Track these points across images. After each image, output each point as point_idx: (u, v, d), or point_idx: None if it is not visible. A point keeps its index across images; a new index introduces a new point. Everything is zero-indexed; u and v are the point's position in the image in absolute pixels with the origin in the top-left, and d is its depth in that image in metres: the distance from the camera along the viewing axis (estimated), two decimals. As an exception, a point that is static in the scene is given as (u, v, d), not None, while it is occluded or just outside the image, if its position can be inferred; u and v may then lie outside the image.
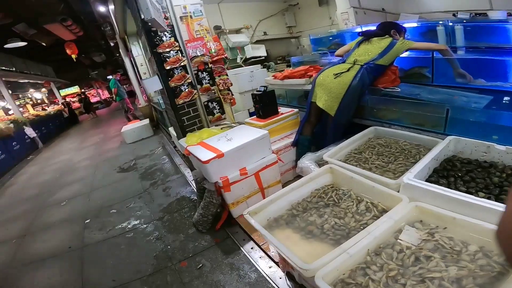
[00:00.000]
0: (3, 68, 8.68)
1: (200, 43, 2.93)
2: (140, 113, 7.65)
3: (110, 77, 17.09)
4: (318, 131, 2.59)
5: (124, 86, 15.81)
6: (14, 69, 9.51)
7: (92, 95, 20.47)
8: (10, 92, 9.24)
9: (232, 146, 2.20)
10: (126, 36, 6.02)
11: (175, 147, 4.60)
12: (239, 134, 2.43)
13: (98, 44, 10.97)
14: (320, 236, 1.40)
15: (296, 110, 2.80)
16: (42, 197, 4.27)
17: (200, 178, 2.39)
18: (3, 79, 8.70)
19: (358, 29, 3.43)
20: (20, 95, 13.96)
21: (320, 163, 2.26)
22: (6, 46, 6.95)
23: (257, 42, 6.67)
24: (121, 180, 4.19)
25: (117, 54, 10.51)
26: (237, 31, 6.42)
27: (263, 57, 6.39)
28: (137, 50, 6.21)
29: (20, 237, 3.12)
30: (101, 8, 6.02)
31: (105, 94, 20.70)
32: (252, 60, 6.13)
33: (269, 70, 5.55)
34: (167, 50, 2.66)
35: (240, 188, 2.29)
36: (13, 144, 7.21)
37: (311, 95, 2.43)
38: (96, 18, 6.63)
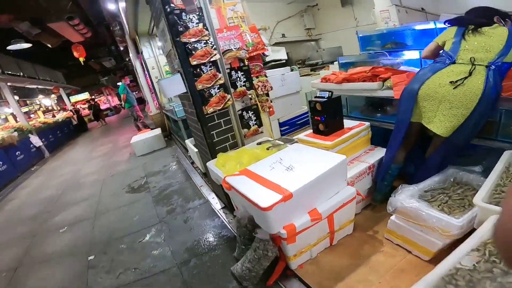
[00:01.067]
0: (9, 72, 7.89)
1: (234, 33, 2.09)
2: (150, 121, 6.81)
3: (120, 83, 16.30)
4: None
5: (134, 92, 15.09)
6: (21, 73, 8.73)
7: (103, 102, 19.73)
8: (17, 98, 8.45)
9: (300, 180, 1.36)
10: (137, 37, 5.22)
11: (192, 163, 3.75)
12: (300, 159, 1.58)
13: (107, 49, 10.22)
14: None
15: (367, 124, 1.94)
16: (41, 218, 3.59)
17: (246, 220, 1.55)
18: (9, 84, 7.91)
19: (421, 26, 2.61)
20: (28, 102, 13.19)
21: (426, 199, 1.52)
22: (9, 48, 6.15)
23: (276, 44, 5.94)
24: (131, 203, 3.38)
25: (127, 59, 9.78)
26: (255, 33, 5.61)
27: (284, 61, 5.59)
28: (149, 52, 5.38)
29: (10, 270, 2.50)
30: (111, 6, 5.23)
31: (115, 101, 19.90)
32: (272, 63, 5.32)
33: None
34: (193, 40, 1.82)
35: (307, 236, 1.50)
36: (17, 154, 6.45)
37: (408, 112, 1.59)
38: (106, 18, 5.86)
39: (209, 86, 1.87)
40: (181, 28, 1.78)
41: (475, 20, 1.55)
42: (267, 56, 4.20)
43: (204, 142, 2.03)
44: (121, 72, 14.67)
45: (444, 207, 1.48)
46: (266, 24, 5.79)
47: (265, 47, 2.26)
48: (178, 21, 1.78)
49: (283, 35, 6.14)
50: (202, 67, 1.87)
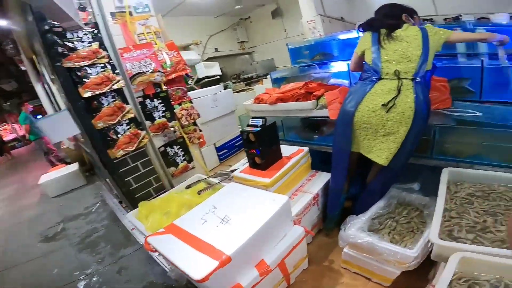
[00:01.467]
0: None
1: (146, 52, 1.74)
2: (65, 154, 5.69)
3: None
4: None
5: (49, 118, 12.92)
6: None
7: (8, 131, 16.41)
8: None
9: (238, 237, 1.12)
10: (34, 56, 4.33)
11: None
12: (237, 206, 1.33)
13: (6, 69, 8.48)
14: None
15: (306, 149, 1.79)
16: None
17: (184, 280, 1.24)
18: None
19: (345, 36, 2.67)
20: None
21: (375, 228, 1.46)
22: None
23: (209, 59, 5.71)
24: (47, 254, 2.74)
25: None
26: (185, 48, 5.35)
27: (218, 77, 5.38)
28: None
29: None
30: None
31: (22, 130, 16.78)
32: (206, 80, 5.05)
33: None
34: (84, 64, 1.41)
35: (260, 289, 1.23)
36: None
37: (348, 144, 1.48)
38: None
39: (113, 122, 1.47)
40: (63, 50, 1.36)
41: (385, 22, 1.49)
42: (191, 77, 3.90)
43: (120, 192, 1.60)
44: (28, 95, 12.42)
45: (394, 235, 1.42)
46: (198, 38, 5.55)
47: (186, 67, 1.96)
48: (59, 40, 1.36)
49: (216, 49, 5.97)
50: (102, 98, 1.47)
